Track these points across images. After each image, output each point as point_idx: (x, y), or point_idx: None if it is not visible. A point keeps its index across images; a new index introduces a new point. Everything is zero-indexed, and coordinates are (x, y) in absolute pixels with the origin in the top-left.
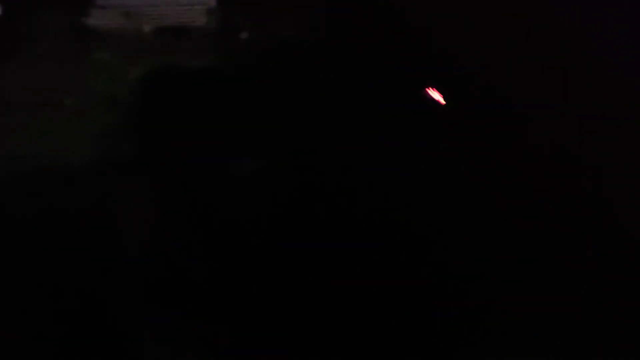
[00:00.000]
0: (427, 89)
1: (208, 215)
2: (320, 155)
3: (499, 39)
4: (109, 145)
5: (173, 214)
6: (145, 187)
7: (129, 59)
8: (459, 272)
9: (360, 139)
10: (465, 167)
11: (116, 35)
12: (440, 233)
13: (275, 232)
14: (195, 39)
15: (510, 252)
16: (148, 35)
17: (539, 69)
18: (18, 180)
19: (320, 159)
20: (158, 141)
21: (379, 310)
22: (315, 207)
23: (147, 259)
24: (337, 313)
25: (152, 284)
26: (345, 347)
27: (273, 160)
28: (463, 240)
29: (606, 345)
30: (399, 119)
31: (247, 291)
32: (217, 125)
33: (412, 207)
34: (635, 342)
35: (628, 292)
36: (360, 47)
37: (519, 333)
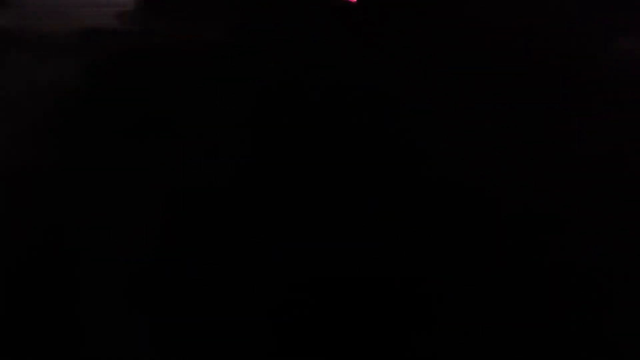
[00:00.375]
0: None
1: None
2: (247, 159)
3: None
4: (19, 149)
5: (92, 218)
6: (57, 192)
7: (41, 61)
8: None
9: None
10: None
11: (29, 36)
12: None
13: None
14: (111, 41)
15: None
16: (62, 36)
17: None
18: None
19: (247, 163)
20: (72, 145)
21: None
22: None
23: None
24: (334, 314)
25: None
26: (343, 348)
27: (201, 164)
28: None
29: (606, 345)
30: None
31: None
32: (132, 129)
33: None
34: (636, 342)
35: (628, 292)
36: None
37: (519, 333)
